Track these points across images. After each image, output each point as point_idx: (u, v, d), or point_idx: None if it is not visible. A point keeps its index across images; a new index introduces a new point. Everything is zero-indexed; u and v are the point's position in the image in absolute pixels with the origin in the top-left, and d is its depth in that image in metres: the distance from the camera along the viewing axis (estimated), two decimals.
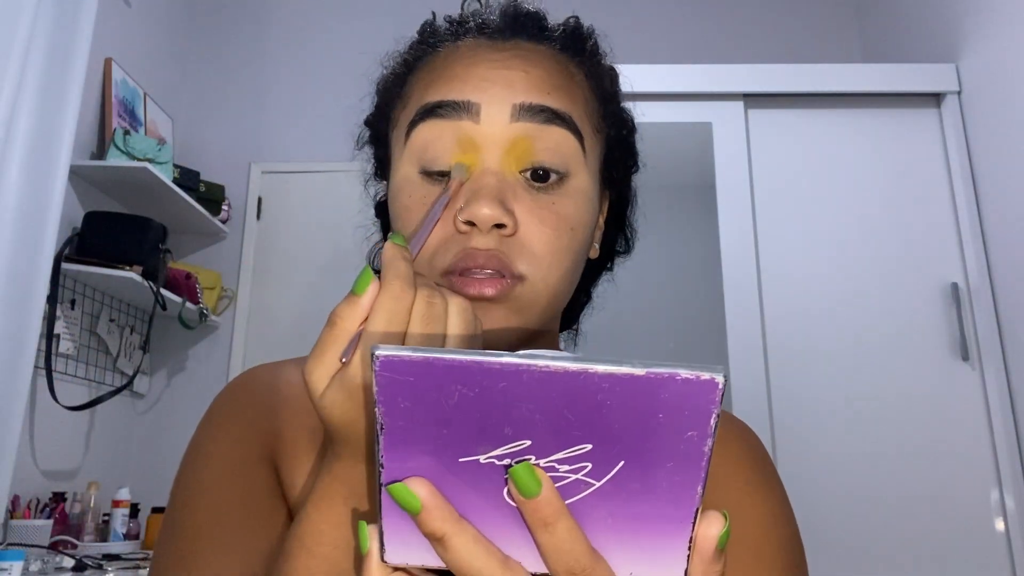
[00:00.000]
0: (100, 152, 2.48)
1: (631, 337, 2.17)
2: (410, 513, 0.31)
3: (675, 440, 0.29)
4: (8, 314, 1.84)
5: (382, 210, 0.67)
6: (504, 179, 0.52)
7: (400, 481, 0.31)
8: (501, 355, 0.28)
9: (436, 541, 0.31)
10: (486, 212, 0.49)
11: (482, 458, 0.30)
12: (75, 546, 2.08)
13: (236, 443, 0.55)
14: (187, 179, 2.69)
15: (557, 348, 0.63)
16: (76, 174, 2.33)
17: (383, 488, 0.31)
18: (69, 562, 1.90)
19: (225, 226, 2.90)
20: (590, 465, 0.30)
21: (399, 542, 0.33)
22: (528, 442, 0.30)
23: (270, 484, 0.53)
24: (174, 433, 2.66)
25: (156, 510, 2.38)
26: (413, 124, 0.54)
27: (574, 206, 0.54)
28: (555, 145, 0.53)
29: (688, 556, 0.31)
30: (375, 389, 0.29)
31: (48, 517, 2.07)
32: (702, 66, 2.24)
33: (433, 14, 0.63)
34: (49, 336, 2.13)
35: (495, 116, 0.52)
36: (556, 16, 0.62)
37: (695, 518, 0.31)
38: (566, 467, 0.30)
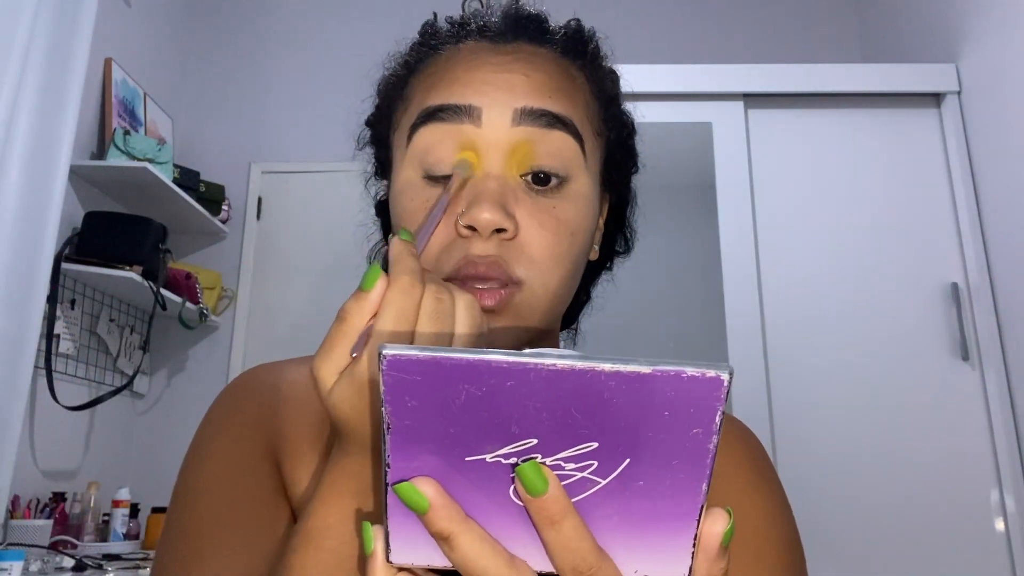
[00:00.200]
0: (100, 152, 2.48)
1: (631, 337, 2.17)
2: (417, 512, 0.31)
3: (680, 437, 0.29)
4: (8, 314, 1.84)
5: (383, 209, 0.67)
6: (505, 183, 0.52)
7: (407, 480, 0.31)
8: (508, 354, 0.28)
9: (443, 540, 0.31)
10: (487, 217, 0.49)
11: (488, 457, 0.30)
12: (75, 546, 2.08)
13: (238, 442, 0.55)
14: (187, 179, 2.70)
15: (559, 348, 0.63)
16: (76, 174, 2.34)
17: (389, 487, 0.31)
18: (69, 562, 1.90)
19: (225, 226, 2.90)
20: (596, 463, 0.30)
21: (404, 542, 0.33)
22: (534, 440, 0.30)
23: (273, 483, 0.53)
24: (174, 433, 2.66)
25: (156, 510, 2.38)
26: (415, 128, 0.54)
27: (574, 210, 0.54)
28: (556, 149, 0.53)
29: (693, 554, 0.31)
30: (382, 388, 0.29)
31: (48, 517, 2.07)
32: (702, 66, 2.24)
33: (434, 15, 0.63)
34: (49, 336, 2.13)
35: (496, 120, 0.53)
36: (557, 16, 0.62)
37: (700, 515, 0.31)
38: (572, 465, 0.30)
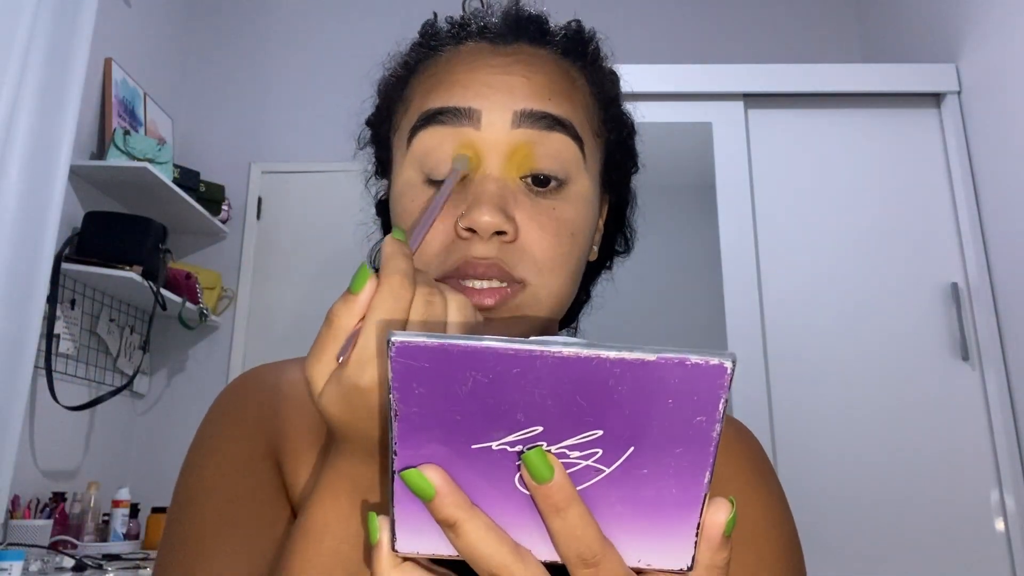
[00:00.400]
0: (100, 152, 2.48)
1: (631, 337, 2.16)
2: (423, 499, 0.31)
3: (684, 425, 0.29)
4: (8, 314, 1.84)
5: (383, 209, 0.67)
6: (505, 185, 0.52)
7: (413, 467, 0.31)
8: (515, 341, 0.29)
9: (449, 528, 0.31)
10: (487, 219, 0.49)
11: (494, 444, 0.30)
12: (75, 546, 2.08)
13: (239, 441, 0.55)
14: (187, 179, 2.69)
15: None
16: (76, 174, 2.34)
17: (396, 475, 0.31)
18: (69, 562, 1.90)
19: (225, 226, 2.90)
20: (600, 451, 0.30)
21: (410, 531, 0.33)
22: (540, 428, 0.30)
23: (274, 482, 0.54)
24: (174, 433, 2.66)
25: (156, 510, 2.38)
26: (415, 130, 0.54)
27: (574, 211, 0.54)
28: (556, 151, 0.53)
29: (696, 543, 0.32)
30: (390, 375, 0.29)
31: (48, 517, 2.07)
32: (702, 66, 2.24)
33: (435, 15, 0.63)
34: (49, 336, 2.13)
35: (496, 123, 0.53)
36: (557, 16, 0.62)
37: (703, 504, 0.31)
38: (577, 453, 0.30)
